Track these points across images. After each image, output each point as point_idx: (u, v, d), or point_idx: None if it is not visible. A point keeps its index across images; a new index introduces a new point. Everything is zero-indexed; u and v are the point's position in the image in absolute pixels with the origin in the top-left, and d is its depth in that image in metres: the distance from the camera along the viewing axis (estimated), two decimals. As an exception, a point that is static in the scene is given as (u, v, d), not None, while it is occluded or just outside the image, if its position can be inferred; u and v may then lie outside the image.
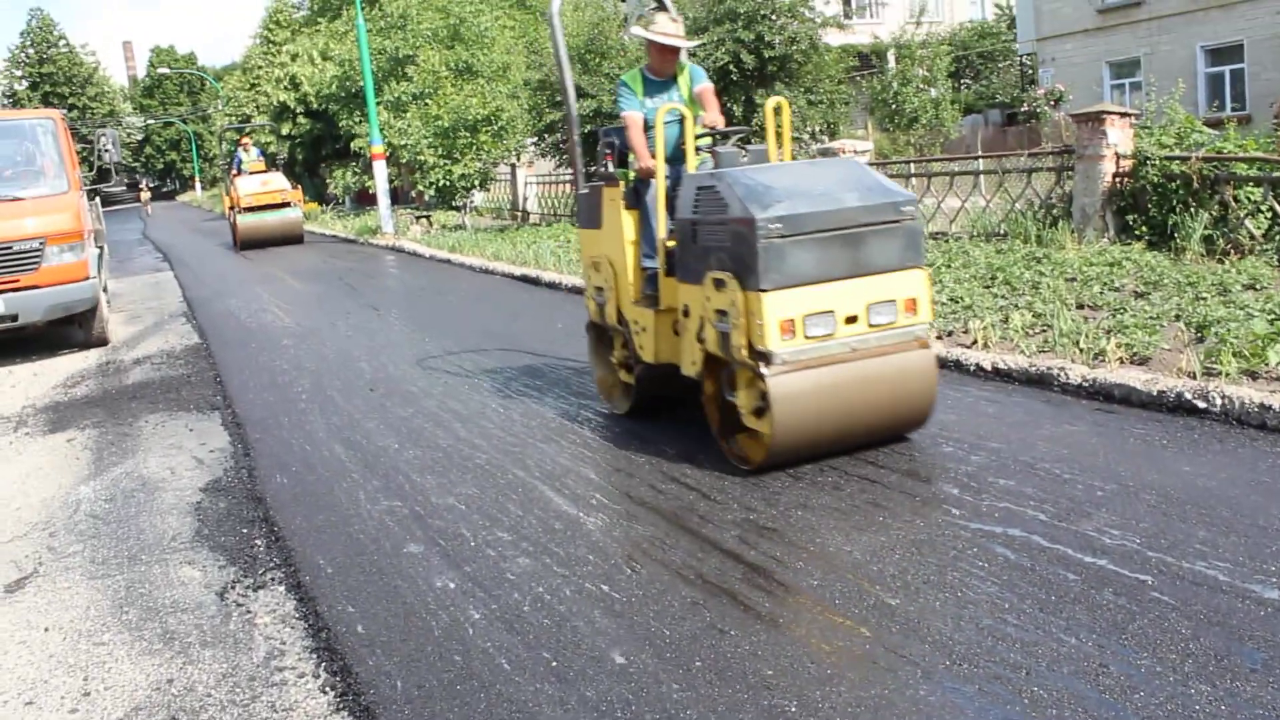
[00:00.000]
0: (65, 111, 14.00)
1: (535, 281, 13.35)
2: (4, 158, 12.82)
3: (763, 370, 5.04)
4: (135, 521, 5.81)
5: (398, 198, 26.15)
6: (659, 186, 5.93)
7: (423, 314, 12.14)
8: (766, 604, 3.98)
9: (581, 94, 18.45)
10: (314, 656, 4.00)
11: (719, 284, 5.24)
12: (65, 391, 9.83)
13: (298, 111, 37.56)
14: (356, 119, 30.59)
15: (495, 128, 22.13)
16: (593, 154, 7.29)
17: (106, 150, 13.65)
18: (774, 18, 18.94)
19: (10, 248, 11.16)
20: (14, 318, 11.27)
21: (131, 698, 3.86)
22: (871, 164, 14.25)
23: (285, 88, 38.04)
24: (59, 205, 11.79)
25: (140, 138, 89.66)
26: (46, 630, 4.54)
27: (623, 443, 6.17)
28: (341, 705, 3.63)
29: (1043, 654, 3.44)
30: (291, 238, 24.19)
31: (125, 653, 4.23)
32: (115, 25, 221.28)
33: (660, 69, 6.47)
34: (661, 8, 6.92)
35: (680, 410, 6.52)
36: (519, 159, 24.24)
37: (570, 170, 20.56)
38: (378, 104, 24.09)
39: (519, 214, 24.59)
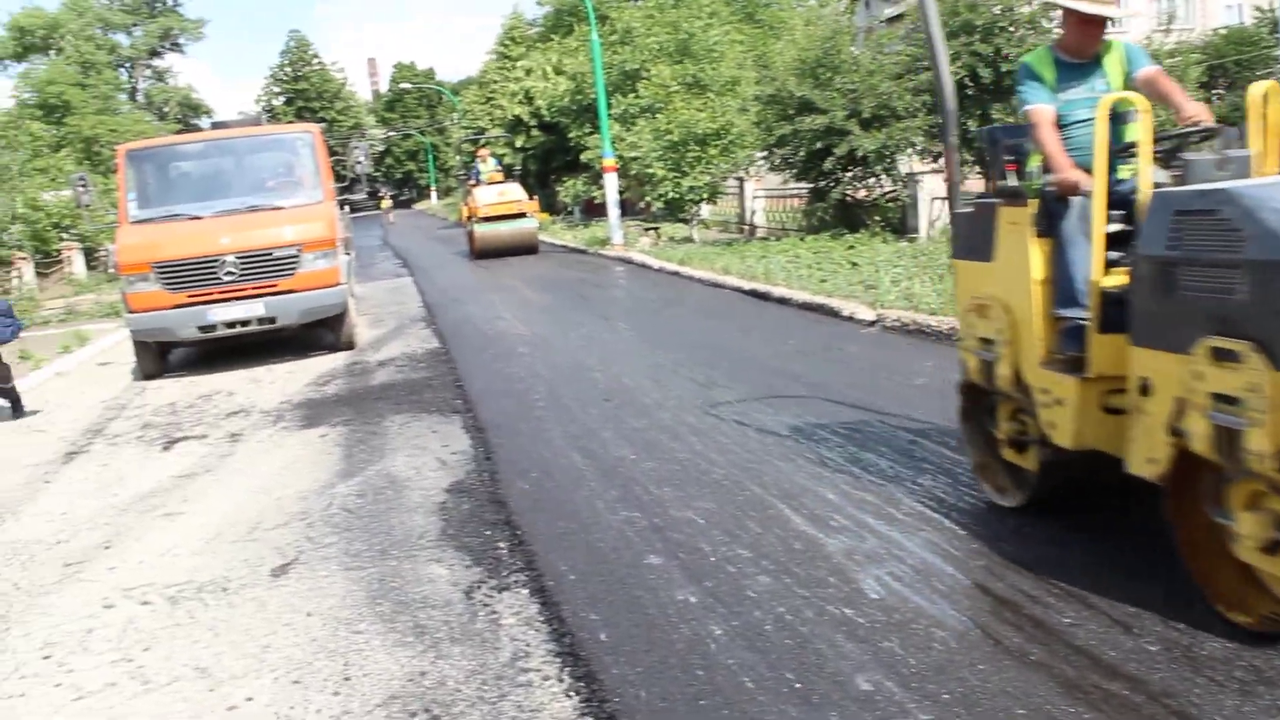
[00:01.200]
0: (321, 125, 14.78)
1: (765, 297, 13.30)
2: (267, 169, 13.66)
3: None
4: (385, 518, 6.09)
5: (626, 209, 26.51)
6: (1096, 207, 4.32)
7: (653, 326, 12.30)
8: (1015, 639, 3.84)
9: (813, 109, 18.34)
10: (558, 660, 4.08)
11: (1224, 356, 3.58)
12: (317, 389, 10.40)
13: (531, 125, 38.72)
14: (586, 131, 31.29)
15: (724, 142, 22.25)
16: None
17: (359, 162, 14.43)
18: (1013, 30, 18.37)
19: (271, 254, 11.89)
20: (272, 320, 12.02)
21: (388, 686, 4.03)
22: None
23: (519, 101, 39.31)
24: (314, 214, 12.48)
25: (381, 149, 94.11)
26: (309, 615, 4.80)
27: (859, 463, 6.07)
28: (586, 711, 3.69)
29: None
30: (526, 248, 24.40)
31: (380, 643, 4.42)
32: (361, 43, 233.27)
33: (1080, 47, 4.90)
34: None
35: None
36: (748, 172, 24.26)
37: (802, 184, 20.61)
38: (608, 117, 24.49)
39: (746, 228, 24.61)
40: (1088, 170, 4.42)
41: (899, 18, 27.78)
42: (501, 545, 5.43)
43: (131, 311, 11.84)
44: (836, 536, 5.00)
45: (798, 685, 3.67)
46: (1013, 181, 5.01)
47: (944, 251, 14.37)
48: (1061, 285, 4.58)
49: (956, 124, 5.47)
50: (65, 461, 8.38)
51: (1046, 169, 4.71)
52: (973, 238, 5.23)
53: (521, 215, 24.08)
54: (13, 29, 61.42)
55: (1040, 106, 4.81)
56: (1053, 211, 4.62)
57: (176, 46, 71.73)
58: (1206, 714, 3.26)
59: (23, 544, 6.31)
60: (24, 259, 25.50)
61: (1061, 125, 4.80)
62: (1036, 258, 4.66)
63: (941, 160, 19.23)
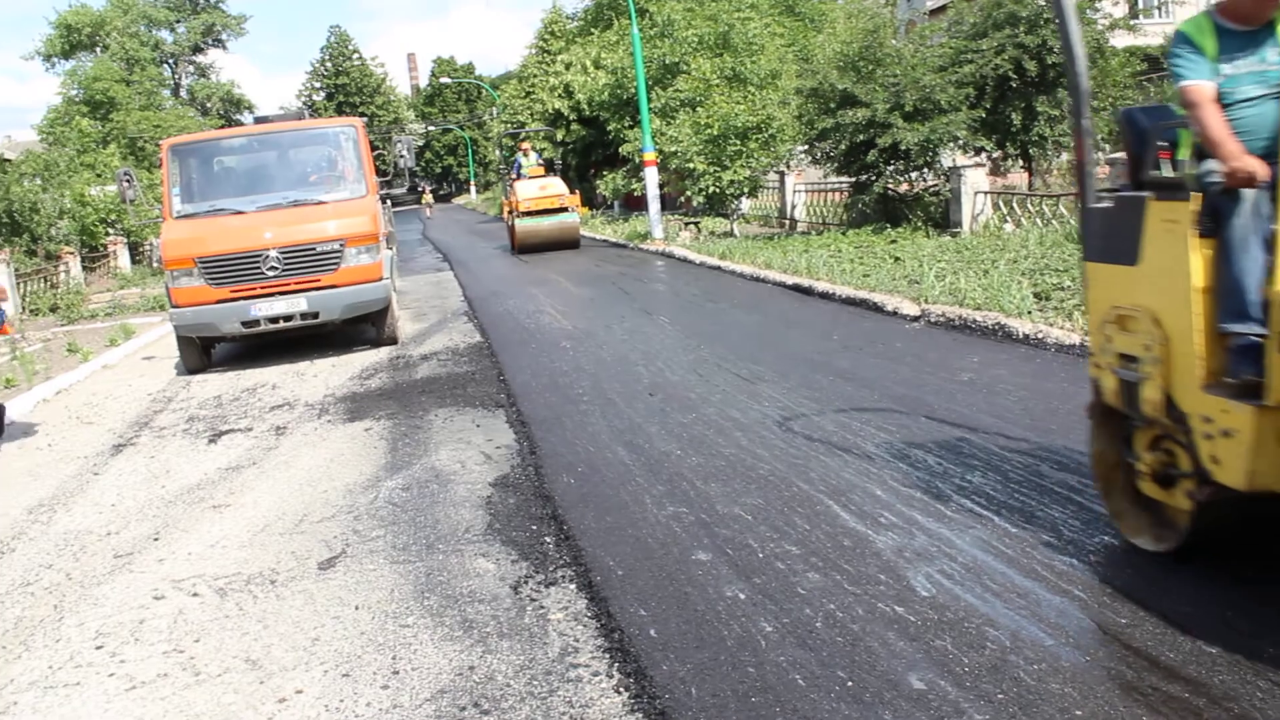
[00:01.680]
0: (364, 119, 14.79)
1: (808, 291, 13.22)
2: (310, 163, 13.66)
3: None
4: (431, 511, 6.10)
5: (665, 203, 26.40)
6: None
7: (696, 320, 12.25)
8: (1070, 639, 3.79)
9: (854, 102, 18.22)
10: (607, 656, 4.07)
11: None
12: (361, 383, 10.45)
13: (571, 119, 38.73)
14: (626, 124, 31.24)
15: (765, 135, 22.15)
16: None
17: (402, 156, 14.37)
18: (1058, 21, 18.17)
19: (314, 249, 11.84)
20: (315, 315, 11.97)
21: (437, 680, 4.03)
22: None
23: (559, 95, 39.31)
24: (357, 209, 12.39)
25: (420, 143, 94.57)
26: (356, 609, 4.81)
27: (906, 459, 6.01)
28: (636, 707, 3.67)
29: None
30: (568, 242, 24.10)
31: (429, 637, 4.43)
32: (401, 38, 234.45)
33: (1254, 10, 4.17)
34: None
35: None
36: (788, 166, 24.13)
37: (843, 178, 20.46)
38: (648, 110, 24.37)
39: (787, 222, 24.49)
40: (1262, 158, 3.85)
41: (941, 10, 27.52)
42: (548, 540, 5.43)
43: (175, 306, 11.85)
44: (885, 533, 4.95)
45: (849, 683, 3.64)
46: (1167, 172, 4.26)
47: (988, 246, 14.26)
48: (1230, 295, 3.86)
49: (1089, 104, 4.60)
50: (114, 453, 8.47)
51: (1201, 156, 4.10)
52: (1112, 237, 4.42)
53: (563, 210, 23.74)
54: (60, 27, 62.21)
55: (1200, 83, 4.12)
56: (1219, 207, 3.92)
57: (219, 43, 72.36)
58: (1270, 718, 3.19)
59: (74, 534, 6.39)
60: (71, 253, 25.83)
61: (1223, 105, 4.13)
62: (1198, 262, 3.92)
63: (984, 154, 19.11)
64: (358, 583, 5.13)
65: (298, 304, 11.88)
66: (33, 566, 5.89)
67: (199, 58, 72.06)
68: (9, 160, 25.81)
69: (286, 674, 4.22)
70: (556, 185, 24.12)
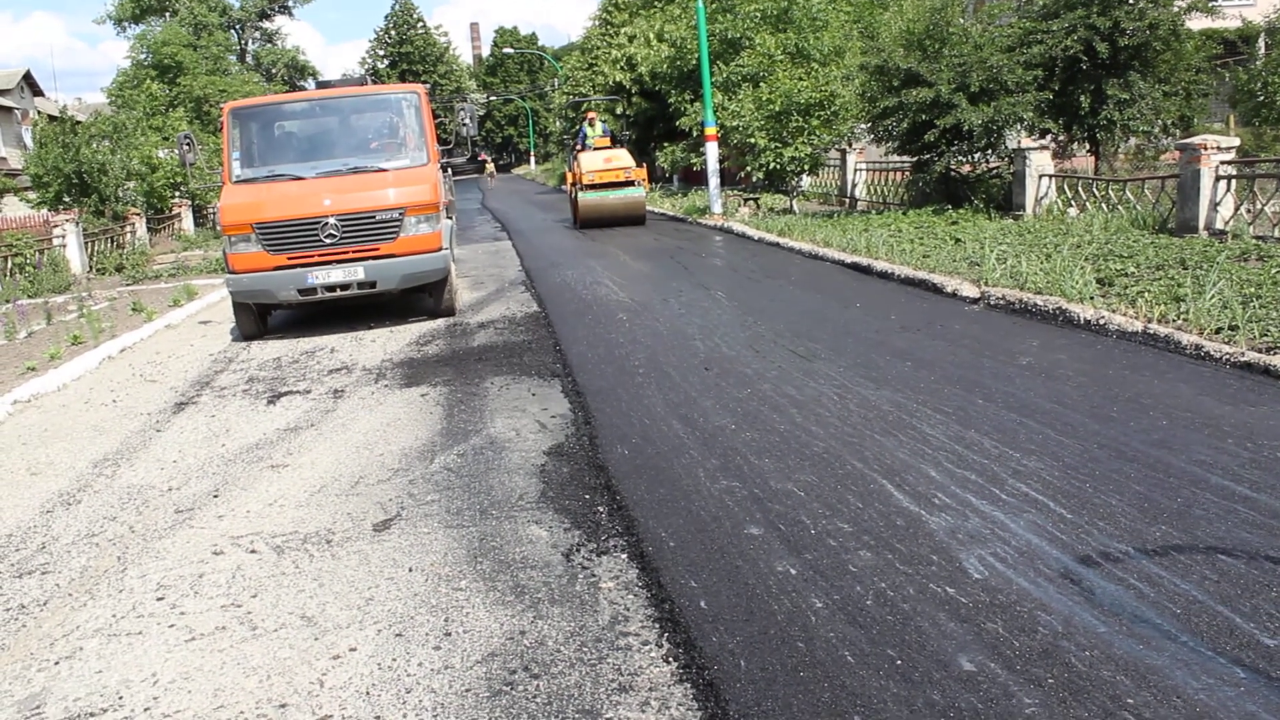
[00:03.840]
0: (427, 86, 14.74)
1: (866, 270, 13.14)
2: (371, 129, 13.56)
3: None
4: (485, 478, 6.15)
5: (724, 178, 26.17)
6: None
7: (753, 296, 12.18)
8: (1125, 625, 3.75)
9: (920, 81, 17.98)
10: (657, 626, 4.10)
11: None
12: (418, 349, 10.54)
13: (632, 91, 38.61)
14: (687, 98, 31.08)
15: (827, 113, 21.93)
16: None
17: (465, 124, 14.31)
18: (1133, 2, 17.80)
19: (373, 217, 11.70)
20: (372, 284, 11.85)
21: (488, 643, 4.08)
22: (1236, 163, 13.18)
23: (621, 68, 39.19)
24: (418, 177, 12.24)
25: (482, 113, 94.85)
26: (410, 570, 4.88)
27: (962, 441, 5.97)
28: (684, 677, 3.70)
29: None
30: (633, 218, 23.04)
31: (481, 600, 4.48)
32: (464, 8, 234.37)
33: None
34: None
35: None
36: (850, 144, 23.87)
37: (905, 157, 20.18)
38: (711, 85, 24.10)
39: (847, 200, 24.27)
40: None
41: None
42: (601, 509, 5.46)
43: (233, 272, 11.78)
44: (939, 514, 4.93)
45: (899, 662, 3.64)
46: None
47: (1051, 230, 14.06)
48: None
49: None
50: (176, 411, 8.62)
51: None
52: None
53: (629, 183, 22.64)
54: (131, -10, 63.12)
55: None
56: None
57: (285, 9, 73.01)
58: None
59: (137, 489, 6.53)
60: (137, 214, 26.23)
61: None
62: None
63: (1049, 137, 18.79)
64: (412, 545, 5.20)
65: (355, 272, 11.76)
66: (97, 519, 6.03)
67: (265, 23, 72.83)
68: (79, 122, 26.19)
69: (340, 631, 4.29)
70: (622, 157, 23.04)
